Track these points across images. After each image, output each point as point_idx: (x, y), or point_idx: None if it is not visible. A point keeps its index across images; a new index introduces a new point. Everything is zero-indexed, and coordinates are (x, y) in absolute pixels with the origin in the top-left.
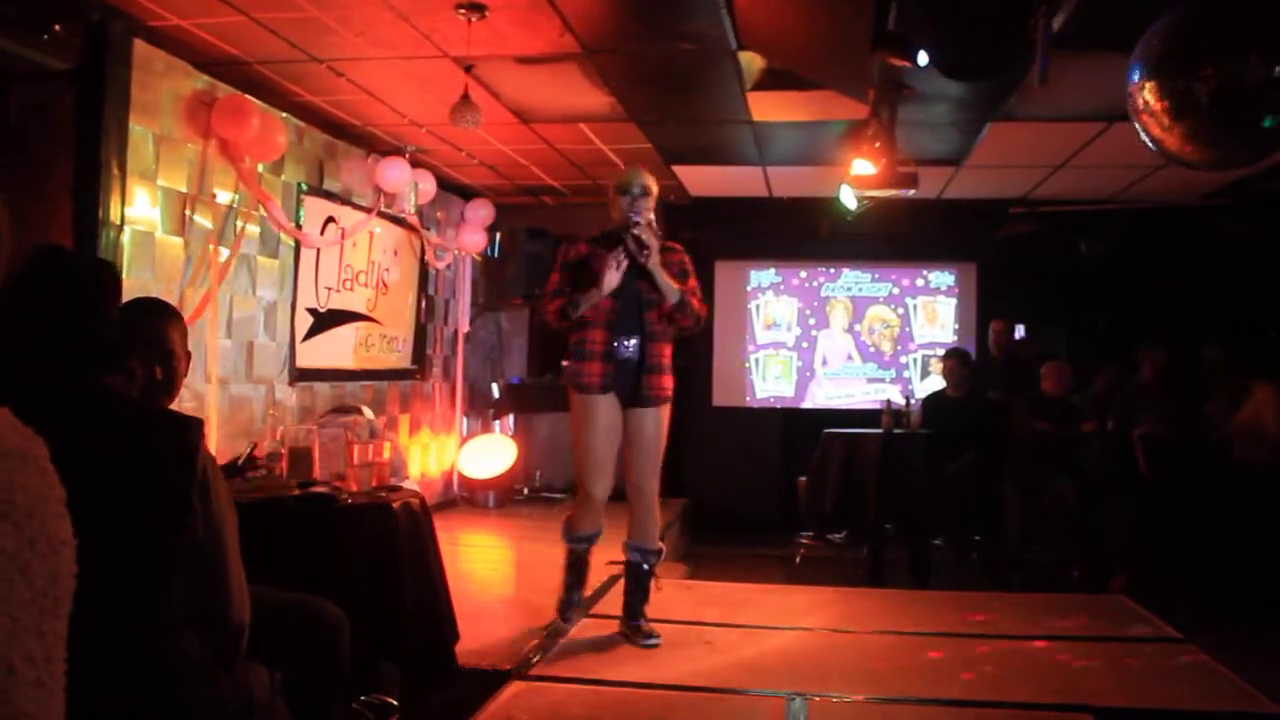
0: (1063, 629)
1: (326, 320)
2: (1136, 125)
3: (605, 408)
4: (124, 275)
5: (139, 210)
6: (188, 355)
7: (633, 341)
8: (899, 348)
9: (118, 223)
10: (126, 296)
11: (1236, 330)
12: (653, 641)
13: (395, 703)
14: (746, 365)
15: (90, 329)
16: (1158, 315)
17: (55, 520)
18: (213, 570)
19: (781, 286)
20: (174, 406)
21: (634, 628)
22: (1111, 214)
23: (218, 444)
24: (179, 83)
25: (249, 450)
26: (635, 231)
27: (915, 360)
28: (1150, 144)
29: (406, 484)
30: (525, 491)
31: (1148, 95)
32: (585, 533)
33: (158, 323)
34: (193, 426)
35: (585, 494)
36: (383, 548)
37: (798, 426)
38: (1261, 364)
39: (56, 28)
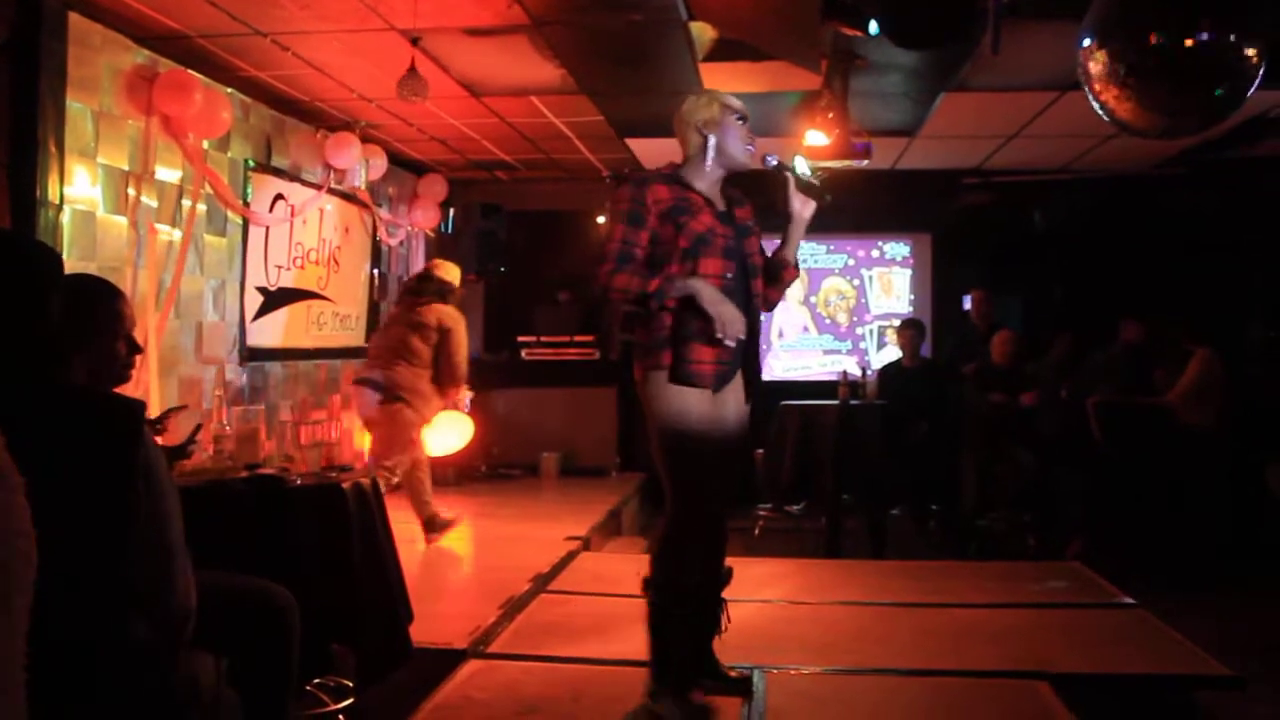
0: (1019, 597)
1: (277, 299)
2: (1088, 93)
3: (716, 404)
4: (65, 256)
5: (79, 189)
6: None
7: (743, 319)
8: (855, 319)
9: (57, 202)
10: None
11: (1188, 297)
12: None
13: (350, 684)
14: None
15: (33, 325)
16: (1112, 283)
17: None
18: (157, 555)
19: None
20: (123, 389)
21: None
22: (1065, 183)
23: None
24: (118, 57)
25: (195, 431)
26: (809, 179)
27: (871, 331)
28: (1101, 112)
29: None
30: (484, 468)
31: (1098, 63)
32: (692, 578)
33: (108, 303)
34: (133, 408)
35: (695, 517)
36: (333, 529)
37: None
38: (1210, 330)
39: None
